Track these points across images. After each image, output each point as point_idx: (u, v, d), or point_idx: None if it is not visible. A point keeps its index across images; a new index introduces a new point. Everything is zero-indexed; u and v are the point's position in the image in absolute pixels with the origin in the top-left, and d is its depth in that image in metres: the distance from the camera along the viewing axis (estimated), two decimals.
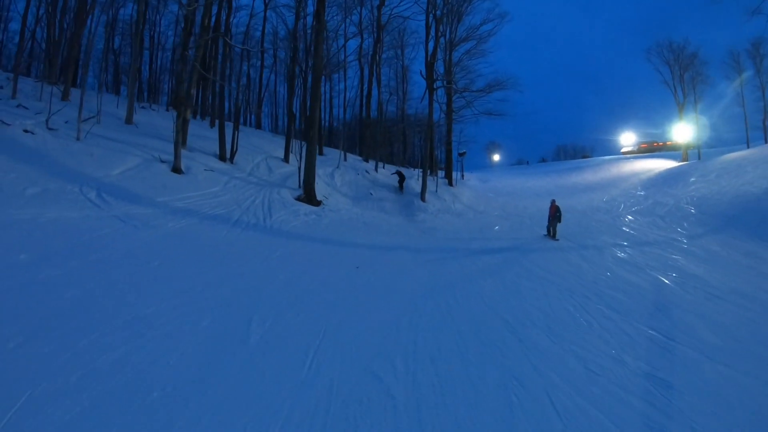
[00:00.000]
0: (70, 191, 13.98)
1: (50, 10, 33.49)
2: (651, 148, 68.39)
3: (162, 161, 19.78)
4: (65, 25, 34.25)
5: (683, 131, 51.03)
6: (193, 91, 27.56)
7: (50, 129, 18.10)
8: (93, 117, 20.65)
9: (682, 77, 50.24)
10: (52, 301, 7.21)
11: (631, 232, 20.65)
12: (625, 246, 17.35)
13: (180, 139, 20.27)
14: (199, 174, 20.65)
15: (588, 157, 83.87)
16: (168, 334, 6.75)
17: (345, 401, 5.50)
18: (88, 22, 30.88)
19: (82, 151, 17.47)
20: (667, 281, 12.48)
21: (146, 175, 17.87)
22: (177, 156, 19.91)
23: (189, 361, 6.07)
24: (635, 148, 71.89)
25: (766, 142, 44.81)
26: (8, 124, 16.77)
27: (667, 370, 6.77)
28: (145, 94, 43.80)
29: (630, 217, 24.75)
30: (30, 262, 8.77)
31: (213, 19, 27.25)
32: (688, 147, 50.09)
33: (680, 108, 50.79)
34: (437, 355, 7.06)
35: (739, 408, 5.77)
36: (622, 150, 74.71)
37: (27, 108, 20.23)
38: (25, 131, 16.97)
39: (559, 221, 20.46)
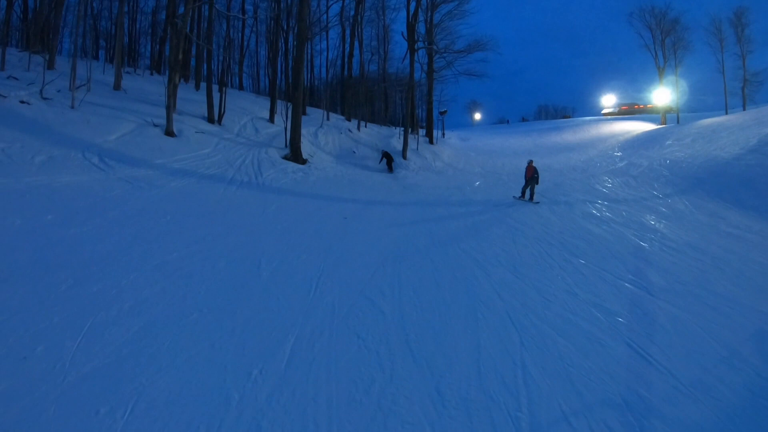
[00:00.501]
0: (74, 157, 14.92)
1: None
2: (631, 111, 68.84)
3: (155, 125, 20.64)
4: None
5: (662, 95, 51.78)
6: (188, 58, 28.15)
7: (44, 99, 18.79)
8: (84, 85, 21.18)
9: (663, 42, 50.77)
10: (87, 253, 8.51)
11: (603, 190, 21.40)
12: (595, 203, 18.26)
13: (171, 104, 21.11)
14: (191, 136, 21.56)
15: (569, 117, 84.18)
16: (192, 273, 8.19)
17: (345, 316, 7.01)
18: None
19: (79, 118, 18.25)
20: (628, 234, 13.51)
21: (141, 139, 18.78)
22: (169, 120, 20.80)
23: (215, 292, 7.51)
24: (616, 110, 72.15)
25: (744, 109, 45.31)
26: (4, 96, 17.44)
27: (611, 302, 8.03)
28: (125, 58, 43.73)
29: (604, 177, 25.23)
30: (56, 221, 10.02)
31: None
32: (666, 111, 51.04)
33: (660, 72, 51.46)
34: (418, 285, 8.56)
35: (669, 330, 7.02)
36: (603, 111, 74.97)
37: (17, 79, 20.69)
38: (21, 102, 17.66)
39: (537, 183, 19.01)
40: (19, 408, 4.28)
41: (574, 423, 4.66)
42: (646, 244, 12.35)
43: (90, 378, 4.87)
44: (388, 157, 29.64)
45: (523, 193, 19.17)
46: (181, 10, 25.42)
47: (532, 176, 18.99)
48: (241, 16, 39.34)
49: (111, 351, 5.45)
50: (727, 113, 45.26)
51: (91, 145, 16.33)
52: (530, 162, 19.98)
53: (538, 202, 18.28)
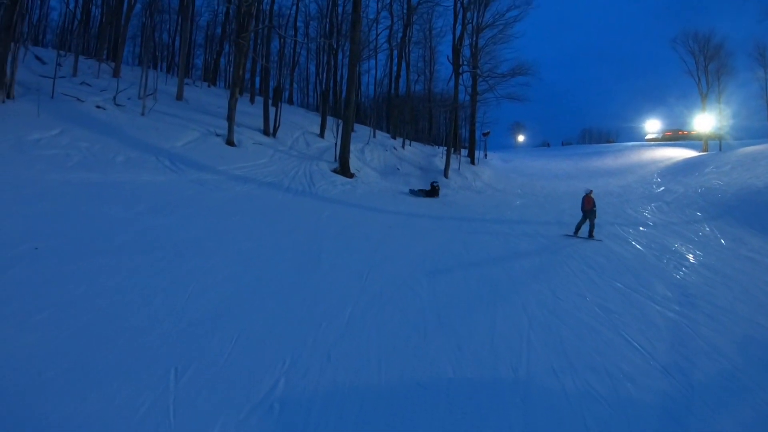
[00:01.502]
0: (148, 159, 16.88)
1: None
2: (675, 137, 67.66)
3: (217, 135, 22.63)
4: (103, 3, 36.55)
5: (705, 122, 51.30)
6: (245, 74, 30.20)
7: (117, 105, 20.95)
8: (151, 94, 23.24)
9: (706, 68, 50.20)
10: (177, 238, 10.53)
11: (634, 214, 22.16)
12: (624, 226, 19.20)
13: (233, 116, 23.10)
14: (249, 147, 23.50)
15: (612, 142, 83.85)
16: (266, 259, 10.22)
17: (390, 297, 8.79)
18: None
19: (148, 125, 20.29)
20: (648, 254, 14.48)
21: (205, 147, 20.74)
22: (231, 131, 22.83)
23: (286, 274, 9.45)
24: (659, 136, 71.41)
25: None
26: (82, 101, 19.56)
27: (615, 305, 9.37)
28: (176, 69, 45.63)
29: (638, 202, 25.79)
30: (147, 212, 11.98)
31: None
32: (709, 137, 50.21)
33: (703, 98, 50.99)
34: (450, 281, 10.31)
35: (661, 328, 8.34)
36: (647, 137, 74.23)
37: (90, 85, 22.86)
38: (98, 107, 19.79)
39: (595, 216, 16.67)
40: (154, 336, 6.09)
41: (561, 377, 6.15)
42: (663, 264, 13.29)
43: (200, 322, 6.71)
44: (435, 189, 27.88)
45: (578, 228, 16.86)
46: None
47: (591, 209, 16.61)
48: (300, 39, 41.45)
49: (212, 306, 7.30)
50: None
51: (162, 150, 18.27)
52: (589, 192, 17.15)
53: (600, 240, 16.16)
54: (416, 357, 6.45)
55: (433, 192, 27.16)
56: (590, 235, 16.38)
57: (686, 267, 13.08)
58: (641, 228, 18.79)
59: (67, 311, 6.27)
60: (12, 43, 16.89)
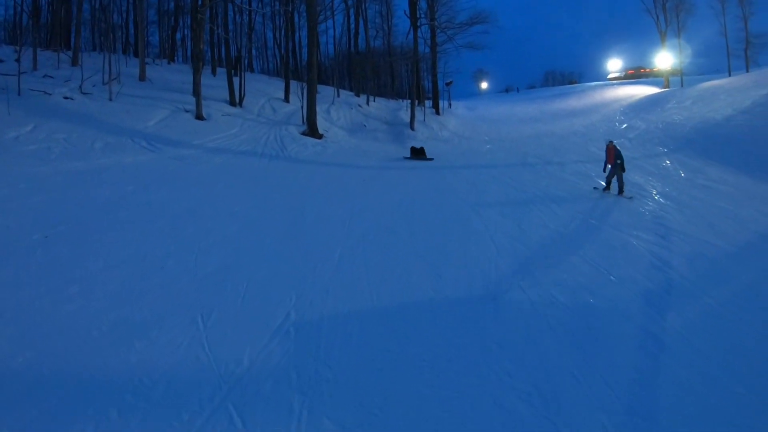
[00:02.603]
0: (125, 142, 17.33)
1: None
2: (637, 75, 67.77)
3: (186, 111, 22.99)
4: None
5: (665, 59, 51.14)
6: (204, 47, 30.30)
7: (84, 93, 21.12)
8: (115, 78, 23.29)
9: (664, 6, 49.69)
10: (172, 209, 11.45)
11: (598, 151, 21.92)
12: (586, 163, 19.96)
13: (199, 91, 23.50)
14: (219, 119, 23.90)
15: (575, 83, 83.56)
16: (257, 219, 11.30)
17: (372, 239, 9.97)
18: None
19: (119, 109, 20.61)
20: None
21: (176, 124, 21.17)
22: (199, 105, 23.22)
23: (277, 229, 10.63)
24: (622, 75, 71.78)
25: (747, 71, 44.99)
26: (49, 94, 19.71)
27: (575, 232, 10.49)
28: (132, 48, 44.51)
29: (602, 139, 25.53)
30: (137, 190, 12.68)
31: None
32: (670, 74, 50.22)
33: (662, 36, 50.56)
34: (425, 220, 11.54)
35: (616, 247, 9.42)
36: (609, 76, 74.63)
37: (53, 77, 22.74)
38: (65, 98, 19.97)
39: (623, 169, 14.42)
40: (175, 291, 7.10)
41: (527, 291, 7.27)
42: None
43: (212, 274, 7.76)
44: (417, 152, 24.89)
45: (608, 184, 14.65)
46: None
47: (614, 162, 14.48)
48: (255, 9, 41.28)
49: (219, 261, 8.35)
50: (730, 75, 45.14)
51: (136, 132, 18.70)
52: (610, 143, 15.25)
53: (631, 197, 13.94)
54: (402, 284, 7.56)
55: (420, 153, 24.79)
56: (620, 192, 14.17)
57: (644, 197, 13.92)
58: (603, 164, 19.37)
59: (94, 282, 7.16)
60: None
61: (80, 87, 21.48)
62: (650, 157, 20.62)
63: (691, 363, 5.48)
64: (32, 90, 19.52)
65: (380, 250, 9.18)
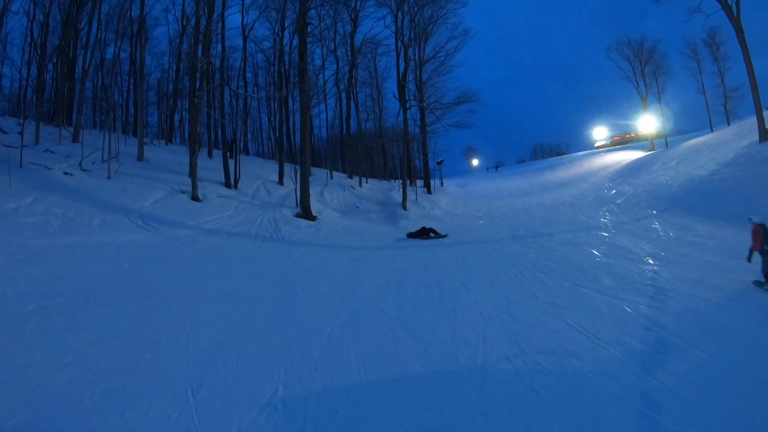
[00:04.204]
0: (122, 220, 17.65)
1: (41, 54, 36.17)
2: (623, 141, 69.61)
3: (182, 192, 23.42)
4: (53, 68, 37.09)
5: (647, 123, 52.84)
6: (201, 129, 31.13)
7: (84, 170, 21.61)
8: (114, 157, 23.80)
9: (643, 72, 51.67)
10: (166, 287, 11.60)
11: (587, 219, 23.04)
12: (575, 231, 20.13)
13: (195, 172, 23.99)
14: (214, 201, 24.33)
15: (562, 154, 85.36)
16: (249, 297, 11.48)
17: (362, 317, 10.00)
18: (79, 63, 34.40)
19: (116, 187, 21.02)
20: (597, 253, 15.44)
21: (173, 204, 21.54)
22: (194, 186, 23.70)
23: (269, 307, 10.68)
24: (608, 142, 73.64)
25: (728, 124, 45.43)
26: (50, 168, 20.19)
27: (564, 300, 10.53)
28: (131, 128, 45.28)
29: (591, 208, 26.67)
30: (132, 268, 12.93)
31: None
32: (655, 137, 51.82)
33: (643, 100, 52.34)
34: (414, 298, 11.52)
35: (604, 313, 9.48)
36: (596, 144, 76.65)
37: (53, 152, 23.31)
38: (65, 173, 20.44)
39: None
40: (167, 365, 7.20)
41: (513, 361, 7.32)
42: (611, 260, 14.22)
43: (203, 350, 7.87)
44: (425, 232, 24.27)
45: (765, 275, 10.58)
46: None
47: (762, 247, 10.97)
48: (251, 92, 42.52)
49: (211, 338, 8.47)
50: (712, 131, 46.30)
51: (133, 210, 19.02)
52: (757, 224, 11.20)
53: None
54: (389, 359, 7.66)
55: (423, 233, 24.21)
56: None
57: (632, 260, 14.03)
58: (593, 231, 19.72)
59: (87, 353, 7.31)
60: None
61: (80, 164, 22.00)
62: (639, 219, 20.94)
63: (681, 417, 5.55)
64: (33, 164, 20.00)
65: (369, 327, 9.30)
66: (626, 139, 69.71)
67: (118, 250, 14.69)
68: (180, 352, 7.74)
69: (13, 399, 5.86)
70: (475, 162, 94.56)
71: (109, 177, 21.97)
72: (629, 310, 9.52)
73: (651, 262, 13.62)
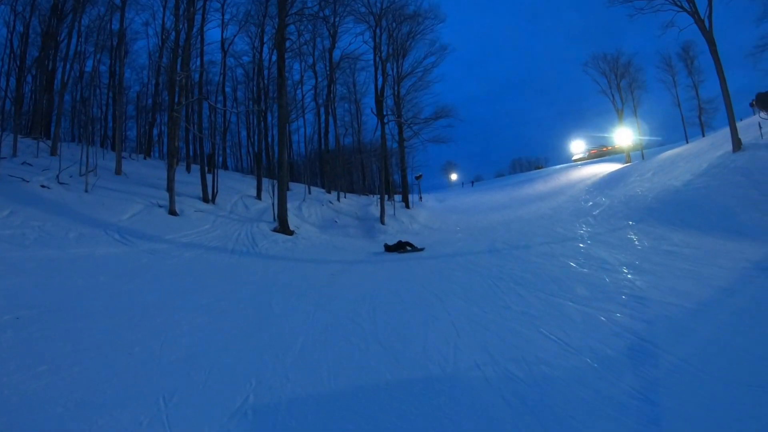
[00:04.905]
0: (99, 234, 17.56)
1: (20, 65, 36.40)
2: (600, 153, 70.88)
3: (159, 206, 23.35)
4: (32, 80, 37.28)
5: (624, 136, 53.64)
6: (179, 144, 31.09)
7: (61, 183, 21.59)
8: (92, 171, 23.76)
9: (618, 85, 52.63)
10: (142, 301, 11.54)
11: (563, 231, 23.13)
12: (551, 243, 20.16)
13: (173, 186, 23.91)
14: (191, 215, 24.26)
15: (541, 168, 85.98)
16: (225, 310, 11.43)
17: (335, 329, 9.96)
18: (59, 76, 34.47)
19: (94, 201, 20.98)
20: (572, 264, 15.46)
21: (150, 218, 21.46)
22: (172, 201, 23.64)
23: (245, 320, 10.74)
24: (586, 155, 74.67)
25: (703, 136, 47.73)
26: (27, 181, 20.17)
27: (537, 309, 10.59)
28: (110, 142, 44.89)
29: (568, 220, 26.79)
30: (108, 281, 12.88)
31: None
32: (631, 149, 52.88)
33: (619, 114, 53.11)
34: (389, 311, 11.47)
35: (577, 321, 9.56)
36: (573, 158, 77.78)
37: (31, 165, 23.40)
38: (42, 186, 20.39)
39: None
40: (140, 375, 7.18)
41: (483, 369, 7.40)
42: (586, 270, 14.34)
43: (176, 361, 7.87)
44: (403, 246, 24.20)
45: None
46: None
47: None
48: (229, 107, 42.57)
49: (185, 350, 8.44)
50: (687, 142, 47.70)
51: (110, 224, 18.97)
52: None
53: None
54: (359, 369, 7.70)
55: (401, 247, 24.21)
56: None
57: (607, 270, 14.12)
58: (569, 243, 19.82)
59: (62, 364, 7.28)
60: None
61: (57, 177, 21.98)
62: (614, 230, 21.14)
63: (650, 419, 5.66)
64: (11, 176, 20.09)
65: (342, 339, 9.29)
66: (603, 152, 70.85)
67: (95, 263, 14.61)
68: (154, 363, 7.74)
69: None
70: (454, 177, 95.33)
71: (86, 191, 21.91)
72: (602, 318, 9.59)
73: (625, 271, 13.70)
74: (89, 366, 7.32)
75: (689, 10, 28.75)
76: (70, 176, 22.82)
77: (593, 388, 6.49)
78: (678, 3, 29.27)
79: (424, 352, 8.28)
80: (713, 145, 30.49)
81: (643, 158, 47.91)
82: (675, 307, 9.83)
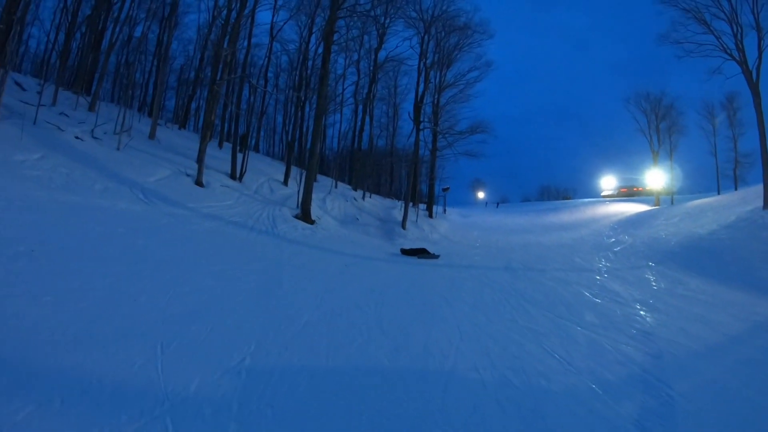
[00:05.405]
0: (123, 190, 17.77)
1: (71, 21, 36.76)
2: (630, 193, 69.59)
3: (187, 175, 23.55)
4: (81, 37, 37.71)
5: (656, 178, 52.65)
6: (215, 120, 31.43)
7: (95, 138, 21.86)
8: (126, 131, 24.10)
9: (657, 127, 51.77)
10: (157, 256, 11.76)
11: (581, 262, 22.93)
12: (567, 271, 20.06)
13: (203, 158, 24.17)
14: (217, 188, 24.45)
15: (569, 198, 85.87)
16: (235, 278, 11.48)
17: (341, 312, 10.10)
18: (107, 37, 35.13)
19: (124, 159, 21.23)
20: (586, 292, 15.34)
21: (176, 185, 21.65)
22: (200, 172, 23.85)
23: (253, 289, 10.89)
24: (615, 192, 73.60)
25: (735, 189, 46.68)
26: (62, 130, 20.40)
27: (543, 327, 10.55)
28: (147, 109, 45.02)
29: (587, 252, 26.54)
30: (126, 234, 12.97)
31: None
32: (661, 193, 51.71)
33: (655, 155, 52.28)
34: (395, 305, 11.65)
35: (581, 344, 9.49)
36: (602, 193, 76.75)
37: (68, 116, 23.68)
38: (76, 137, 20.65)
39: None
40: (141, 321, 7.28)
41: (482, 372, 7.41)
42: (598, 300, 14.19)
43: (180, 315, 7.99)
44: (419, 252, 24.72)
45: None
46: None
47: None
48: (270, 91, 42.91)
49: (189, 307, 8.56)
50: (719, 194, 46.81)
51: (135, 183, 19.20)
52: None
53: None
54: (359, 352, 7.79)
55: (417, 252, 24.76)
56: None
57: (619, 303, 13.97)
58: (585, 273, 19.62)
59: (67, 298, 7.44)
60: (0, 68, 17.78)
61: (92, 131, 22.26)
62: (633, 269, 20.83)
63: None
64: (47, 122, 20.29)
65: (346, 322, 9.40)
66: (633, 192, 69.62)
67: (115, 215, 14.78)
68: (157, 312, 7.85)
69: None
70: (481, 195, 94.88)
71: (118, 149, 22.19)
72: (607, 346, 9.46)
73: (638, 307, 13.51)
74: (93, 305, 7.46)
75: (738, 59, 28.46)
76: (104, 132, 23.15)
77: (588, 407, 6.43)
78: (728, 51, 28.97)
79: (425, 348, 8.32)
80: (744, 200, 30.02)
81: (672, 203, 46.93)
82: (682, 347, 9.68)
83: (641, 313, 12.80)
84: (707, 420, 6.39)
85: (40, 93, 22.15)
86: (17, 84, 25.40)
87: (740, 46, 28.44)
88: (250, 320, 8.49)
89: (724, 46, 29.24)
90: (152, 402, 5.14)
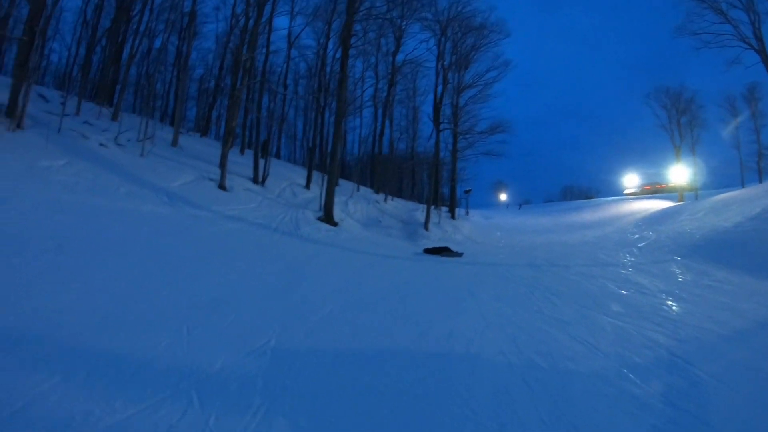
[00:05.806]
0: (148, 194, 18.00)
1: (92, 34, 37.48)
2: (654, 190, 68.02)
3: (210, 179, 23.81)
4: (101, 50, 38.30)
5: (679, 173, 52.13)
6: (237, 126, 31.78)
7: (119, 145, 22.23)
8: (149, 138, 24.46)
9: (678, 122, 51.36)
10: (181, 254, 11.99)
11: (606, 258, 22.54)
12: (592, 266, 19.89)
13: (225, 163, 24.44)
14: (240, 192, 24.68)
15: (591, 198, 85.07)
16: (259, 275, 11.70)
17: (366, 305, 10.36)
18: (127, 49, 35.88)
19: (147, 165, 21.55)
20: (610, 285, 15.22)
21: (199, 189, 21.93)
22: (223, 176, 24.10)
23: (275, 284, 11.09)
24: (638, 190, 72.38)
25: (760, 182, 45.74)
26: (87, 138, 20.77)
27: (569, 317, 10.46)
28: (168, 119, 45.49)
29: (611, 248, 26.24)
30: (150, 234, 13.20)
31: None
32: (685, 189, 50.97)
33: (677, 151, 51.89)
34: (418, 294, 12.02)
35: (608, 332, 9.43)
36: (625, 191, 75.43)
37: (92, 125, 24.04)
38: (101, 144, 21.01)
39: None
40: (168, 308, 7.39)
41: (508, 356, 7.37)
42: (623, 291, 14.12)
43: (203, 305, 8.17)
44: (443, 251, 24.91)
45: None
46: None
47: None
48: (290, 95, 43.24)
49: (213, 298, 8.72)
50: (744, 187, 45.18)
51: (160, 188, 19.43)
52: None
53: None
54: (383, 336, 7.90)
55: (441, 251, 24.93)
56: None
57: (645, 294, 13.85)
58: (610, 268, 19.42)
59: (94, 286, 7.69)
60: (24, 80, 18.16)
61: (116, 138, 22.66)
62: (658, 262, 20.47)
63: (670, 419, 5.60)
64: (72, 130, 20.67)
65: (369, 311, 9.59)
66: (657, 189, 67.91)
67: (140, 217, 15.03)
68: (183, 301, 8.06)
69: (21, 305, 6.33)
70: (503, 197, 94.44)
71: (142, 155, 22.52)
72: (633, 332, 9.38)
73: (664, 297, 13.34)
74: (120, 293, 7.70)
75: (757, 47, 28.13)
76: (128, 140, 23.50)
77: (618, 386, 6.40)
78: (746, 40, 28.65)
79: (450, 334, 8.34)
80: None
81: (696, 198, 46.53)
82: (709, 332, 9.58)
83: (667, 302, 12.65)
84: (738, 399, 6.31)
85: (63, 103, 22.62)
86: (41, 96, 25.86)
87: (758, 34, 28.11)
88: (274, 308, 8.70)
89: (742, 35, 28.94)
90: (177, 377, 5.32)
